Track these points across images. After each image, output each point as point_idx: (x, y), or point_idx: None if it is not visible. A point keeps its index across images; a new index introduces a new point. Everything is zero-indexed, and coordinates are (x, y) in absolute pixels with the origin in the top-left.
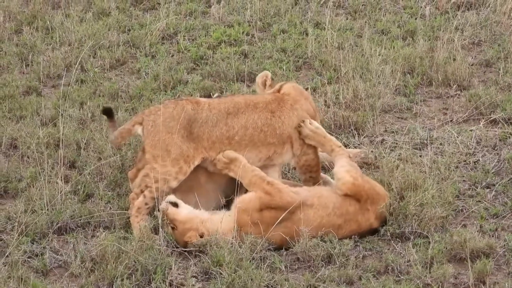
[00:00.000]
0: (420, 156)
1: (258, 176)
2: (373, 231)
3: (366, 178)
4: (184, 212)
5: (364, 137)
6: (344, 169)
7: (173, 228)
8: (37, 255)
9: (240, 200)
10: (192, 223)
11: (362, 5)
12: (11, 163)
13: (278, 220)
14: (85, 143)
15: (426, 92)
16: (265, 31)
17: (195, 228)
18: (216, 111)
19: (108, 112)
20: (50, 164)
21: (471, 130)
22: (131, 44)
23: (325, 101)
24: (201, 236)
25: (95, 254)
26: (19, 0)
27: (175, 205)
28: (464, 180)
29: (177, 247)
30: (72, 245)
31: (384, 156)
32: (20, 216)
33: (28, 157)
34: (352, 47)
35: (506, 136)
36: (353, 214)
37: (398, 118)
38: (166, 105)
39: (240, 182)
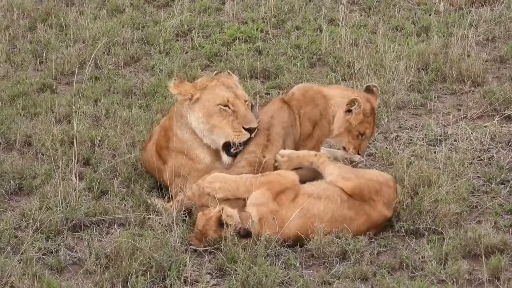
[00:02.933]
0: (435, 152)
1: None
2: None
3: (359, 173)
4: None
5: (378, 133)
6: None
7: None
8: (51, 252)
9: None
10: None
11: (376, 2)
12: (25, 160)
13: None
14: (99, 140)
15: (440, 88)
16: (279, 28)
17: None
18: None
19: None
20: (65, 161)
21: (485, 126)
22: (145, 41)
23: None
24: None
25: (109, 251)
26: None
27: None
28: (478, 176)
29: (191, 244)
30: (86, 242)
31: (398, 153)
32: (34, 213)
33: (42, 154)
34: (366, 43)
35: None
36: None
37: (413, 114)
38: None
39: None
